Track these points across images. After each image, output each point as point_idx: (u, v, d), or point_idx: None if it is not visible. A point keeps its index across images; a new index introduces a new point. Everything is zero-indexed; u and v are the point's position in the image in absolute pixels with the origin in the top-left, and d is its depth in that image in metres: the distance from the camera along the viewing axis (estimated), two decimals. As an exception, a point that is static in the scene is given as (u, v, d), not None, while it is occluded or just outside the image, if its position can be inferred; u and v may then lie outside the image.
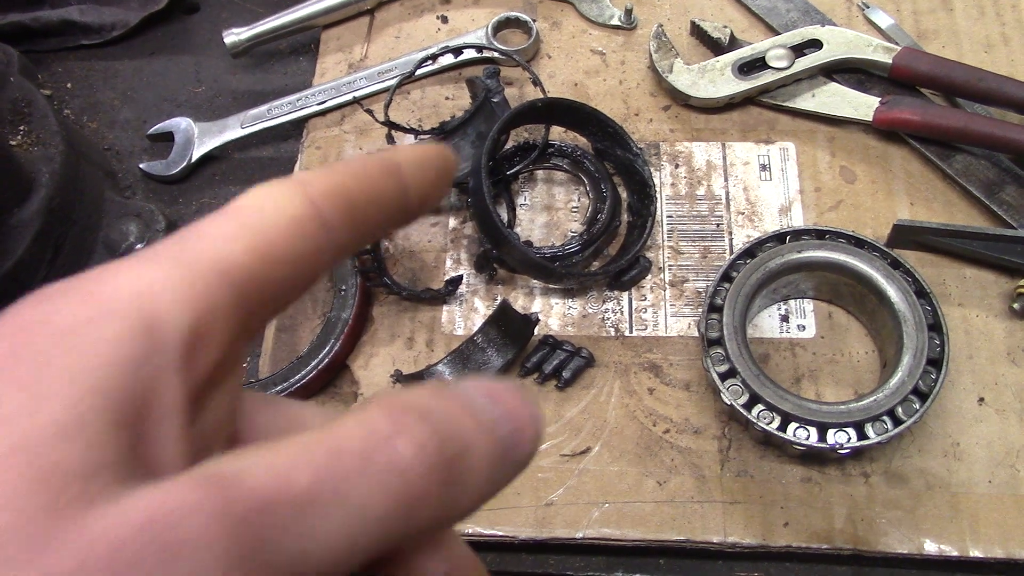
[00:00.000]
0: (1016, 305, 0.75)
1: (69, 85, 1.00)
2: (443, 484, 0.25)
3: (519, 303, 0.80)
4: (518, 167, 0.85)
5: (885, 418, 0.66)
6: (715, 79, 0.87)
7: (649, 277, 0.80)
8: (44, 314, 0.25)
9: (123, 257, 0.27)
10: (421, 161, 0.32)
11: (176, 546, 0.21)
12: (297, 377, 0.75)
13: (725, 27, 0.91)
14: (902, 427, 0.66)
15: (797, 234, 0.74)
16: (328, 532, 0.23)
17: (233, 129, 0.93)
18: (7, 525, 0.21)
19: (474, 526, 0.70)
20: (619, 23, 0.95)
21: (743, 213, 0.83)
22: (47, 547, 0.21)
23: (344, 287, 0.79)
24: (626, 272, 0.79)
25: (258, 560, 0.22)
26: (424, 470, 0.25)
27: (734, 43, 0.90)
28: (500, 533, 0.70)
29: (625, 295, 0.80)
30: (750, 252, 0.74)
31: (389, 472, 0.24)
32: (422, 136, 0.84)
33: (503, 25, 0.95)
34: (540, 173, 0.88)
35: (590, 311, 0.79)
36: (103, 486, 0.22)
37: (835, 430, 0.66)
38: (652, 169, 0.84)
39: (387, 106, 0.85)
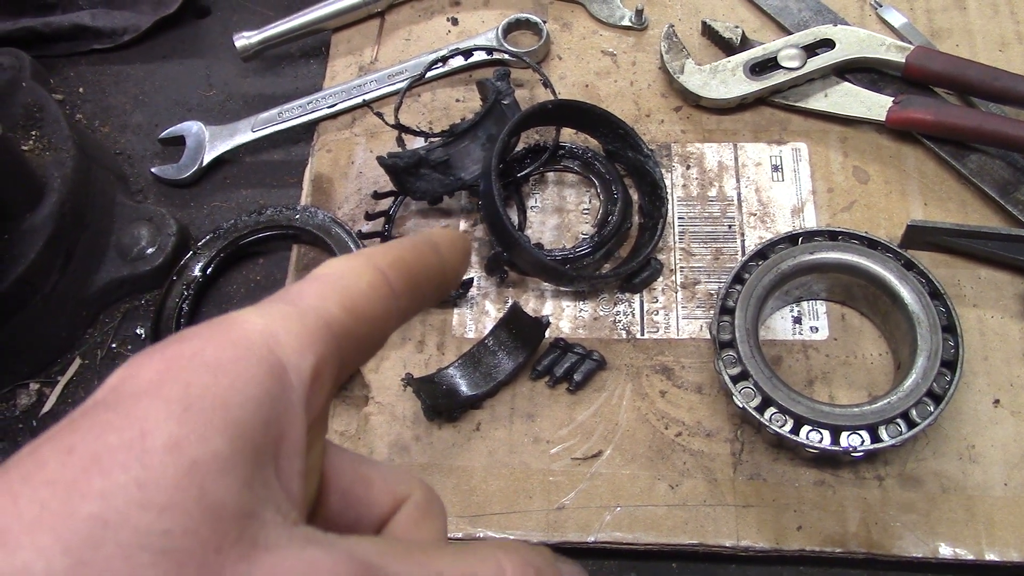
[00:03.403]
0: (1032, 306, 0.74)
1: (81, 90, 1.00)
2: None
3: (530, 306, 0.80)
4: (529, 169, 0.85)
5: (899, 420, 0.66)
6: (727, 80, 0.87)
7: (660, 279, 0.80)
8: (192, 349, 0.27)
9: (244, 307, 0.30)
10: (453, 241, 0.38)
11: None
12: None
13: (736, 27, 0.90)
14: (916, 430, 0.65)
15: (810, 235, 0.74)
16: None
17: (244, 133, 0.93)
18: (188, 552, 0.23)
19: (485, 530, 0.70)
20: (630, 24, 0.94)
21: (755, 214, 0.83)
22: None
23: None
24: (637, 274, 0.79)
25: None
26: None
27: (746, 43, 0.90)
28: (512, 537, 0.70)
29: (636, 297, 0.80)
30: (762, 254, 0.74)
31: None
32: (432, 139, 0.84)
33: (513, 27, 0.94)
34: (551, 175, 0.87)
35: (601, 314, 0.79)
36: (259, 529, 0.25)
37: (848, 433, 0.66)
38: (663, 170, 0.84)
39: (397, 109, 0.85)
